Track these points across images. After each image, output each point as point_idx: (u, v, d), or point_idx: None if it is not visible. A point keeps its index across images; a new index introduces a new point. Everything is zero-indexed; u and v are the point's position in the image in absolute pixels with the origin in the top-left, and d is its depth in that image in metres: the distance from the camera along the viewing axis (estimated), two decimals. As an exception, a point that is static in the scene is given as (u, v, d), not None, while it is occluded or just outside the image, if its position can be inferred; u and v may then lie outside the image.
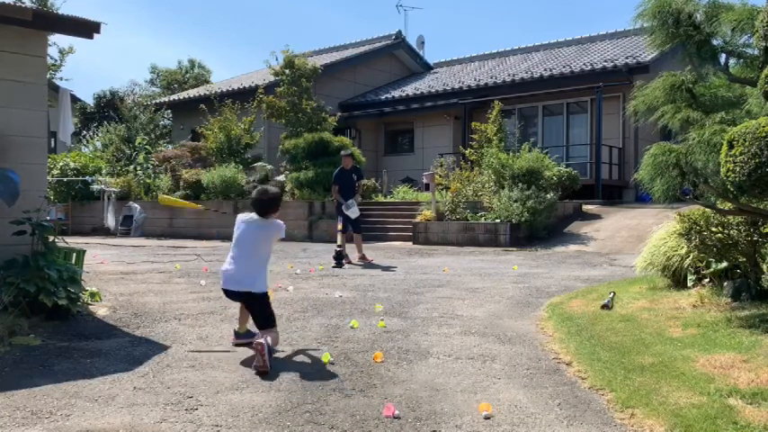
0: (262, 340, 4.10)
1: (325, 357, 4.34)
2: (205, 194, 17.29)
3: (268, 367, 4.03)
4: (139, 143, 21.05)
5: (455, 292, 7.16)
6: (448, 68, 25.90)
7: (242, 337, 4.74)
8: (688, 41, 5.65)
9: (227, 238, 4.75)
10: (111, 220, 18.02)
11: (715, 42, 5.69)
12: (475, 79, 21.30)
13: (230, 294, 4.64)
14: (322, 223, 15.52)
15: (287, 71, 18.15)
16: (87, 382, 3.82)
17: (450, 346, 4.71)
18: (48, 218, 5.77)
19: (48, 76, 6.51)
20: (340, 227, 10.60)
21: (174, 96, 26.81)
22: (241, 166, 17.56)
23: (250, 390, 3.72)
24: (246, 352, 4.52)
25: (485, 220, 13.63)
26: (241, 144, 18.65)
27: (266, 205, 4.64)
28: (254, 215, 4.66)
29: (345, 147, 16.94)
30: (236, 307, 5.43)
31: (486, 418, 3.25)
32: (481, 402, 3.46)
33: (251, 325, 4.72)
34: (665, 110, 5.51)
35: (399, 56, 26.05)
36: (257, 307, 4.53)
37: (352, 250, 10.50)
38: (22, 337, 4.71)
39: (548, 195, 13.54)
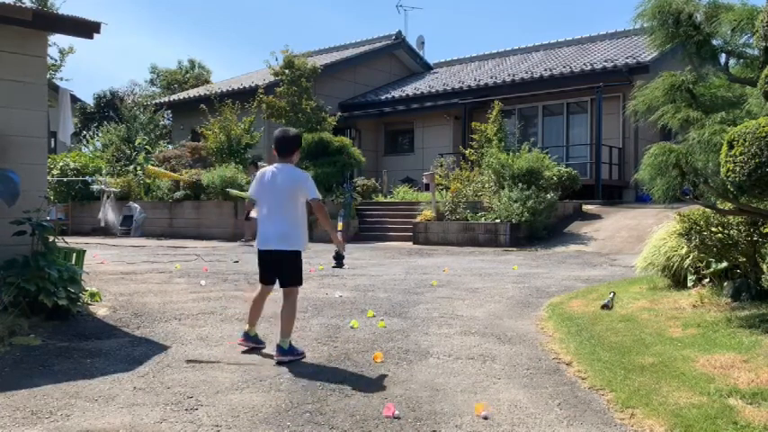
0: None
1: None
2: (205, 194, 17.29)
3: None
4: (139, 143, 21.03)
5: (455, 293, 7.16)
6: (448, 68, 25.91)
7: (252, 341, 4.63)
8: (688, 41, 5.65)
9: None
10: (108, 219, 18.01)
11: (715, 42, 5.69)
12: (475, 79, 21.30)
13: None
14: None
15: (287, 71, 18.15)
16: (87, 383, 3.82)
17: (450, 346, 4.71)
18: (48, 218, 5.77)
19: (48, 76, 6.52)
20: (340, 227, 10.68)
21: (174, 96, 26.81)
22: (241, 167, 17.55)
23: (250, 390, 3.72)
24: (247, 353, 4.53)
25: (485, 220, 13.64)
26: (241, 144, 18.65)
27: (291, 143, 4.50)
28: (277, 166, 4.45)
29: (346, 147, 16.97)
30: (235, 307, 5.44)
31: (485, 418, 3.24)
32: (481, 402, 3.46)
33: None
34: (665, 110, 5.51)
35: (399, 56, 26.05)
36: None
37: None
38: (22, 337, 4.71)
39: (548, 195, 13.55)
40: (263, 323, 5.50)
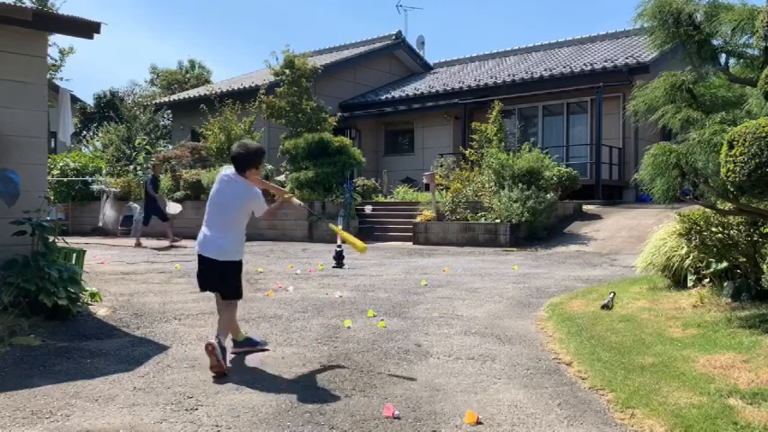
0: (213, 341, 3.99)
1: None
2: (205, 194, 17.29)
3: (224, 368, 3.95)
4: (139, 143, 21.05)
5: (455, 293, 7.16)
6: (448, 68, 25.90)
7: (240, 346, 4.57)
8: (688, 41, 5.65)
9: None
10: (107, 220, 18.01)
11: (715, 42, 5.69)
12: (475, 79, 21.30)
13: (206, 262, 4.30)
14: (322, 223, 15.53)
15: (287, 71, 18.15)
16: (87, 383, 3.82)
17: (450, 347, 4.71)
18: (48, 218, 5.78)
19: (48, 76, 6.52)
20: (340, 228, 10.70)
21: (174, 96, 26.80)
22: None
23: (250, 390, 3.72)
24: (246, 353, 4.53)
25: (485, 220, 13.63)
26: (241, 144, 18.62)
27: (246, 159, 4.27)
28: (231, 172, 4.32)
29: (346, 147, 16.97)
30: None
31: (478, 423, 3.21)
32: (481, 402, 3.46)
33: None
34: (666, 110, 5.51)
35: (399, 56, 26.05)
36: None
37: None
38: (23, 337, 4.72)
39: (548, 195, 13.54)
40: (264, 323, 5.51)
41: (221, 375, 3.92)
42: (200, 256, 4.32)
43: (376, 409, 3.39)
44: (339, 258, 9.72)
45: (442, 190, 15.41)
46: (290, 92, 17.94)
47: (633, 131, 17.34)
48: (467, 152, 16.88)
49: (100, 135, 24.02)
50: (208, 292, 4.62)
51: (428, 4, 65.63)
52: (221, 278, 4.33)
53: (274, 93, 18.33)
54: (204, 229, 4.32)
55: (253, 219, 4.50)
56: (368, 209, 15.54)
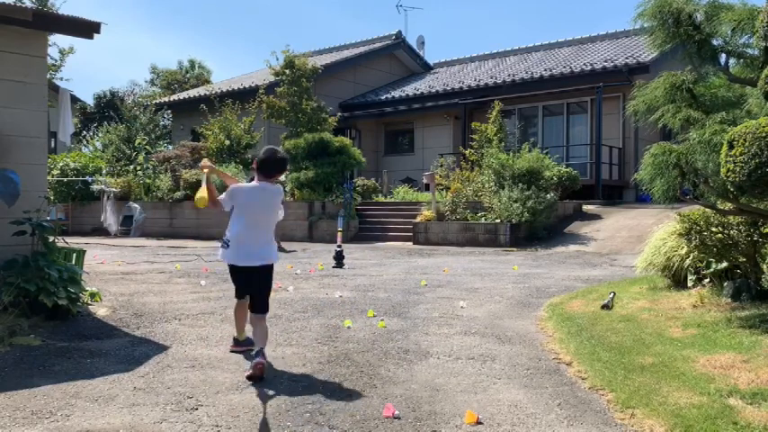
0: (263, 361, 3.97)
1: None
2: (205, 194, 17.28)
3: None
4: (139, 143, 21.04)
5: (455, 293, 7.16)
6: (448, 68, 25.91)
7: (242, 345, 4.58)
8: (688, 41, 5.65)
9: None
10: (109, 220, 18.03)
11: (715, 42, 5.69)
12: (475, 79, 21.30)
13: (246, 271, 4.24)
14: (322, 223, 15.53)
15: (287, 71, 18.16)
16: (87, 383, 3.82)
17: (450, 346, 4.71)
18: (48, 218, 5.78)
19: (48, 76, 6.52)
20: (340, 228, 10.71)
21: (175, 96, 26.81)
22: (241, 167, 17.57)
23: (250, 390, 3.72)
24: (246, 354, 4.53)
25: (485, 220, 13.64)
26: (241, 144, 18.66)
27: (284, 164, 4.45)
28: (262, 184, 4.33)
29: (346, 147, 16.95)
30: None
31: (478, 423, 3.21)
32: (482, 402, 3.46)
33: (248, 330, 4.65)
34: (666, 110, 5.51)
35: (399, 56, 26.05)
36: (269, 281, 4.32)
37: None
38: (23, 337, 4.71)
39: (548, 195, 13.55)
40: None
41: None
42: None
43: (376, 409, 3.39)
44: (339, 258, 9.72)
45: (442, 190, 15.41)
46: (290, 92, 17.95)
47: (633, 131, 17.35)
48: (467, 152, 16.88)
49: (100, 135, 24.00)
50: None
51: (428, 4, 65.65)
52: None
53: (274, 93, 18.33)
54: None
55: (226, 218, 4.50)
56: None
